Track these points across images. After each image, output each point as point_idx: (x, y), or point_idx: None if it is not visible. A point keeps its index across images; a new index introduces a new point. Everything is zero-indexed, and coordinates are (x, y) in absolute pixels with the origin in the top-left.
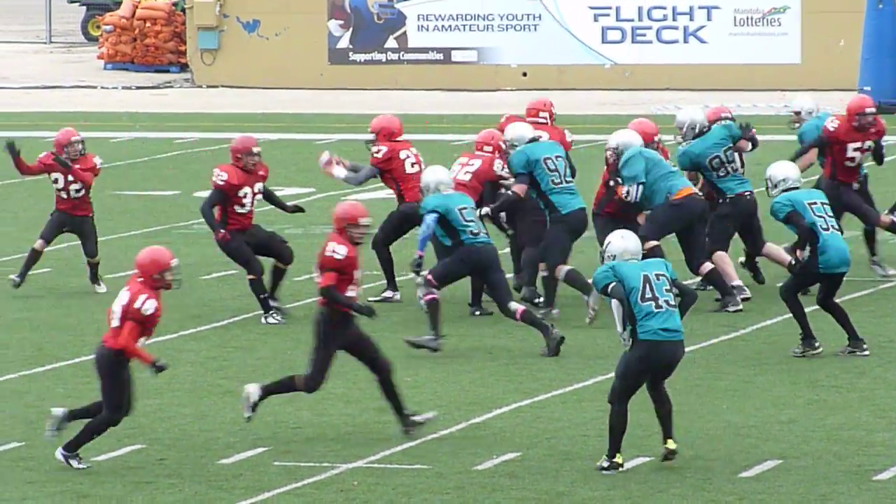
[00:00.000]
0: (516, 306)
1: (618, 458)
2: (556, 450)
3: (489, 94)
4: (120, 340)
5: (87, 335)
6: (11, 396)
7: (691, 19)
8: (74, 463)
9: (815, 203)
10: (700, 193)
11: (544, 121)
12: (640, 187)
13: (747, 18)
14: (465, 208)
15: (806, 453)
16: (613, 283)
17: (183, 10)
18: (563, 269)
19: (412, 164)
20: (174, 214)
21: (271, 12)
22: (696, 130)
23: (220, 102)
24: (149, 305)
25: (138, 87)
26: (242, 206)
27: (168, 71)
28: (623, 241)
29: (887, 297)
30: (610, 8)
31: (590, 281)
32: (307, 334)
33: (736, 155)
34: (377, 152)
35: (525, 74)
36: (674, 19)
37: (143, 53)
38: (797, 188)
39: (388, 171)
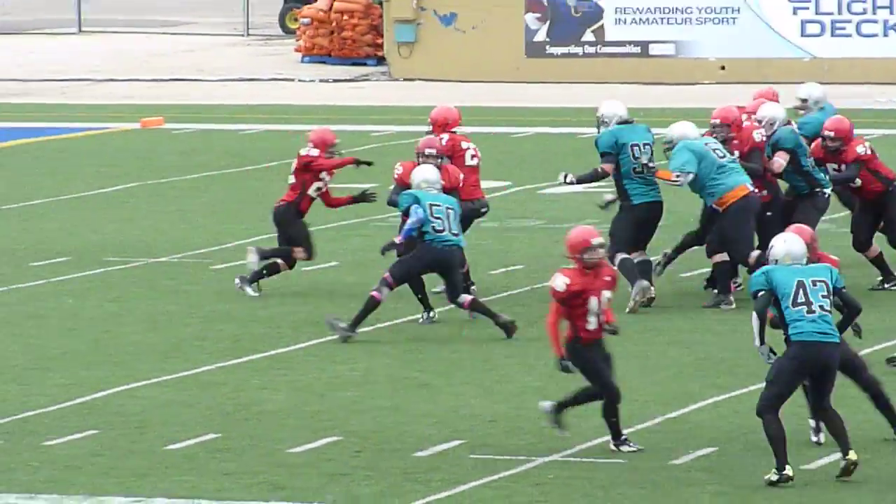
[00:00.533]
0: (464, 298)
1: (787, 471)
2: (753, 445)
3: (687, 88)
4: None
5: (282, 327)
6: (209, 388)
7: (892, 13)
8: (625, 448)
9: None
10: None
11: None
12: (690, 176)
13: None
14: (437, 206)
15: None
16: (762, 293)
17: (380, 3)
18: (618, 257)
19: (471, 157)
20: (372, 207)
21: (468, 5)
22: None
23: (417, 95)
24: (558, 282)
25: (335, 80)
26: None
27: (365, 64)
28: (786, 245)
29: None
30: (809, 1)
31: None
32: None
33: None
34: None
35: (723, 68)
36: (874, 13)
37: (340, 46)
38: None
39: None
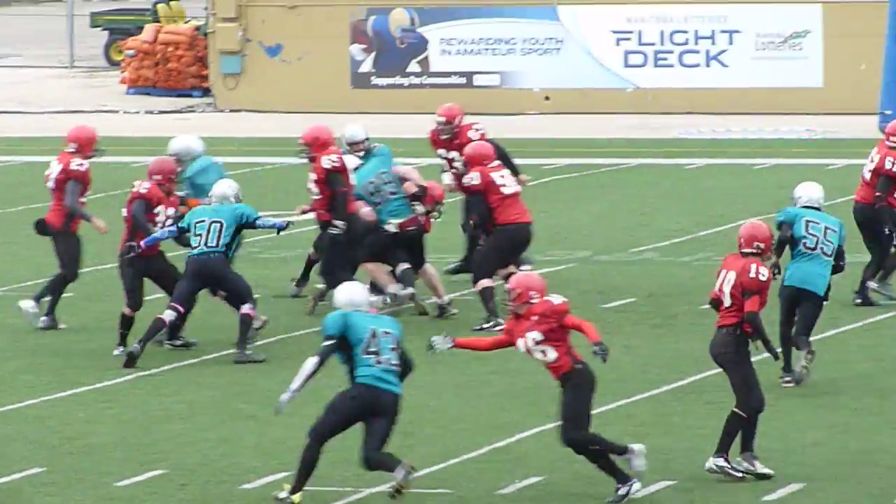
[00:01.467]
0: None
1: (290, 497)
2: (579, 474)
3: (512, 119)
4: (750, 306)
5: (107, 360)
6: (33, 421)
7: (713, 43)
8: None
9: (815, 223)
10: None
11: None
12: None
13: (769, 42)
14: (201, 221)
15: (829, 476)
16: (329, 343)
17: (205, 35)
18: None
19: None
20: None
21: (294, 37)
22: None
23: (243, 127)
24: (762, 271)
25: (161, 112)
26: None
27: (190, 95)
28: (348, 294)
29: None
30: (632, 32)
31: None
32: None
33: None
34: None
35: (548, 98)
36: (696, 43)
37: (165, 78)
38: (816, 208)
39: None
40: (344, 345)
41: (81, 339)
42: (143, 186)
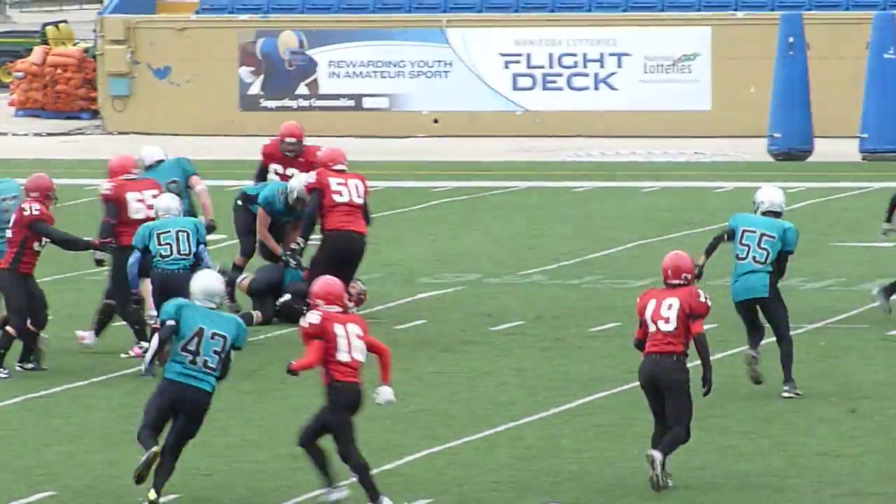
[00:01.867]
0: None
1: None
2: (467, 497)
3: (401, 141)
4: (698, 328)
5: None
6: None
7: (602, 66)
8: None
9: (751, 232)
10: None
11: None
12: None
13: (657, 66)
14: (165, 232)
15: (716, 501)
16: (170, 323)
17: (94, 57)
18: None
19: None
20: (85, 261)
21: (182, 59)
22: None
23: (132, 149)
24: (707, 297)
25: (49, 134)
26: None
27: (79, 118)
28: (204, 283)
29: (796, 343)
30: (521, 55)
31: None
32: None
33: None
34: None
35: (436, 121)
36: (584, 66)
37: (54, 100)
38: (777, 213)
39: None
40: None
41: None
42: (34, 208)
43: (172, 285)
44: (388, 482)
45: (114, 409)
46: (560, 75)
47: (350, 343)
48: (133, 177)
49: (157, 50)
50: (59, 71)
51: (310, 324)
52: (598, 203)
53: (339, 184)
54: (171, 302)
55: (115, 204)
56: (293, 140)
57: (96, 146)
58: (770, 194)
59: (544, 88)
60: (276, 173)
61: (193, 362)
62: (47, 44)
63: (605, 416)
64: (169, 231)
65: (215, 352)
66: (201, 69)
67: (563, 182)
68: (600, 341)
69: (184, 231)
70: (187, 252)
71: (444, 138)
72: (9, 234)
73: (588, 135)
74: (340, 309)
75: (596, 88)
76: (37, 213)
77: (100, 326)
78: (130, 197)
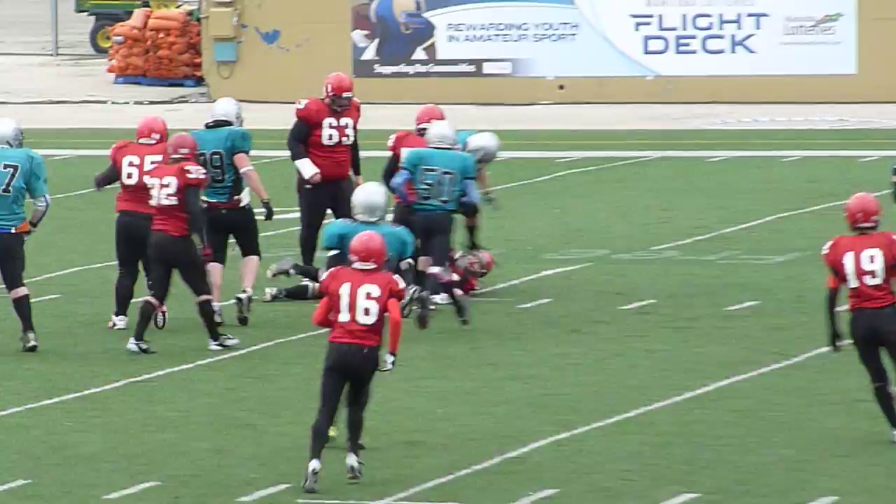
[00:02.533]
0: None
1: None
2: (596, 486)
3: (524, 109)
4: None
5: (96, 365)
6: (17, 431)
7: (739, 28)
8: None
9: None
10: None
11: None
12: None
13: (799, 27)
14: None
15: (863, 490)
16: (332, 253)
17: (198, 20)
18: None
19: None
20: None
21: (292, 22)
22: None
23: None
24: None
25: (151, 102)
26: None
27: (182, 85)
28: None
29: None
30: (652, 16)
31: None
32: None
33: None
34: None
35: (562, 87)
36: (720, 28)
37: (155, 66)
38: None
39: None
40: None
41: (68, 343)
42: (198, 171)
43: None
44: (511, 471)
45: (220, 394)
46: (694, 37)
47: (354, 304)
48: (150, 142)
49: (266, 12)
50: (161, 35)
51: (320, 280)
52: (735, 174)
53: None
54: (333, 229)
55: (111, 166)
56: (349, 95)
57: (201, 115)
58: None
59: (677, 52)
60: (331, 126)
61: None
62: (148, 6)
63: (742, 401)
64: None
65: None
66: (312, 33)
67: (697, 152)
68: (737, 321)
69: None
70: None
71: (569, 105)
72: (174, 199)
73: (724, 101)
74: (375, 266)
75: (732, 51)
76: (203, 175)
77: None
78: (125, 160)
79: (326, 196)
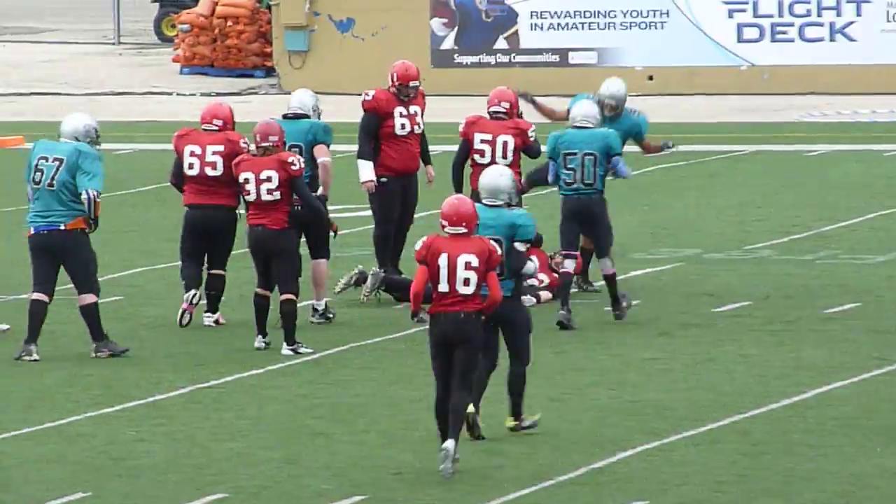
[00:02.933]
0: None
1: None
2: (687, 498)
3: None
4: None
5: (161, 371)
6: (77, 440)
7: (839, 14)
8: None
9: None
10: None
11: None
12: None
13: None
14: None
15: None
16: None
17: (269, 8)
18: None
19: None
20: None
21: (367, 10)
22: None
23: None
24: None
25: (218, 94)
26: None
27: (252, 76)
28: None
29: None
30: (746, 3)
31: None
32: (410, 367)
33: None
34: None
35: (651, 78)
36: (819, 15)
37: (224, 56)
38: None
39: None
40: None
41: (132, 347)
42: (300, 161)
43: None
44: (598, 481)
45: (291, 401)
46: (791, 25)
47: (454, 274)
48: (212, 128)
49: (339, 0)
50: (229, 23)
51: (416, 250)
52: (834, 169)
53: (483, 141)
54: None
55: (176, 158)
56: (416, 83)
57: (271, 107)
58: None
59: (773, 40)
60: (402, 115)
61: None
62: None
63: (843, 409)
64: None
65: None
66: (389, 21)
67: (794, 145)
68: (837, 324)
69: None
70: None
71: (659, 97)
72: (277, 194)
73: (822, 92)
74: (465, 231)
75: (832, 39)
76: (303, 165)
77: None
78: (186, 150)
79: (399, 189)
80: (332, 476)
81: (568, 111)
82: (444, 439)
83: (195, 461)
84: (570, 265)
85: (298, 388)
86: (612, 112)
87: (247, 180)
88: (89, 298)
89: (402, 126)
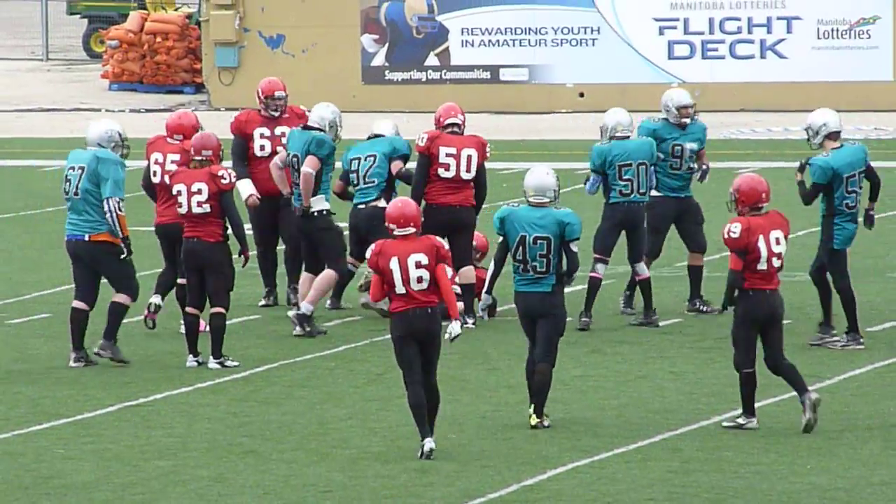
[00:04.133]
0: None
1: None
2: None
3: (542, 118)
4: None
5: (90, 389)
6: (5, 458)
7: (769, 32)
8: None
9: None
10: None
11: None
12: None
13: (832, 30)
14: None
15: None
16: (500, 240)
17: (198, 24)
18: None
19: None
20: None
21: (297, 26)
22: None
23: None
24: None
25: (147, 111)
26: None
27: (181, 92)
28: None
29: None
30: (677, 20)
31: None
32: (339, 386)
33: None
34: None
35: (582, 95)
36: (749, 32)
37: (153, 72)
38: None
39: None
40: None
41: (60, 365)
42: (231, 175)
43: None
44: (529, 499)
45: (220, 419)
46: (722, 42)
47: (406, 275)
48: (173, 142)
49: (270, 16)
50: (158, 39)
51: (367, 258)
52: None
53: (448, 154)
54: (498, 214)
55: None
56: (281, 94)
57: (202, 124)
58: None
59: (704, 57)
60: (262, 136)
61: (525, 270)
62: (145, 8)
63: (774, 425)
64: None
65: (541, 255)
66: (319, 37)
67: (726, 162)
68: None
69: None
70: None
71: (590, 114)
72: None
73: (753, 109)
74: (414, 230)
75: (762, 57)
76: (235, 180)
77: None
78: (151, 158)
79: (267, 210)
80: (262, 494)
81: None
82: (423, 437)
83: (124, 479)
84: (601, 269)
85: (228, 406)
86: (688, 118)
87: (179, 192)
88: (121, 298)
89: (262, 147)
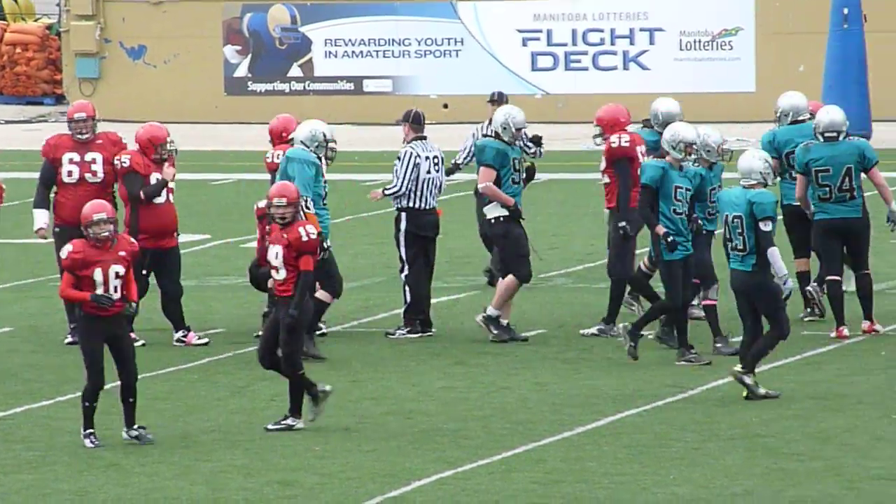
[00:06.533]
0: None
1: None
2: None
3: None
4: None
5: None
6: None
7: (632, 43)
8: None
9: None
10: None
11: None
12: None
13: (695, 42)
14: None
15: None
16: None
17: (58, 35)
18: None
19: None
20: (49, 265)
21: (159, 37)
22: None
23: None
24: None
25: (7, 122)
26: None
27: (42, 103)
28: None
29: (855, 353)
30: (540, 31)
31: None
32: (202, 399)
33: None
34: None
35: (446, 106)
36: (612, 44)
37: (12, 83)
38: None
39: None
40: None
41: None
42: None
43: None
44: None
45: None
46: (585, 54)
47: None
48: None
49: (131, 26)
50: (18, 50)
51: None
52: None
53: None
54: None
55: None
56: (82, 116)
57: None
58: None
59: (567, 69)
60: (72, 161)
61: (734, 249)
62: (4, 19)
63: (637, 436)
64: None
65: (738, 233)
66: (181, 48)
67: (589, 174)
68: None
69: None
70: None
71: (454, 125)
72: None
73: None
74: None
75: (625, 68)
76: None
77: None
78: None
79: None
80: None
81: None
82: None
83: None
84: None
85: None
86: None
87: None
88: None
89: (70, 173)
